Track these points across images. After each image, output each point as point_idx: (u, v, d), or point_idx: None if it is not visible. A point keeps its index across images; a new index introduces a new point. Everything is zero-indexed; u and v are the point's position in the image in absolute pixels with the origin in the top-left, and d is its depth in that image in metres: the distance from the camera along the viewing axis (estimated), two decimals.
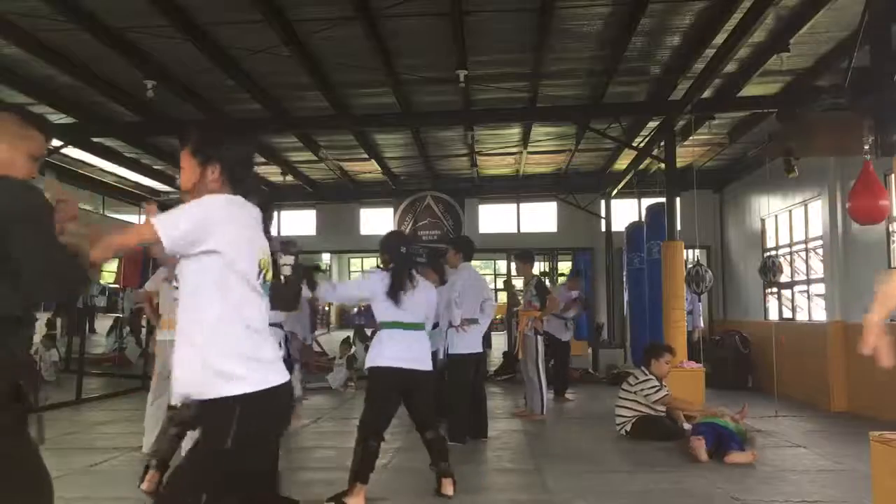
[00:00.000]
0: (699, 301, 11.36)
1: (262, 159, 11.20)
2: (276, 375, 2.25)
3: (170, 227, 2.16)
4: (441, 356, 6.66)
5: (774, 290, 10.55)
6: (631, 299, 12.26)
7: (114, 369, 12.96)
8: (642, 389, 6.64)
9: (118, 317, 15.47)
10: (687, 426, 6.36)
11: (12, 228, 2.00)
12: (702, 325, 11.71)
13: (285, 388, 2.29)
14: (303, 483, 5.15)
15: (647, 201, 11.92)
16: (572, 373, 11.84)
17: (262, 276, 2.30)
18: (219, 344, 2.18)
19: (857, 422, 7.46)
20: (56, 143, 9.37)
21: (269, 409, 2.22)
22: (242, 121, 9.30)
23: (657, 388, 6.59)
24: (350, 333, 12.71)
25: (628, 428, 6.74)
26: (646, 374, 6.70)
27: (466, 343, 6.59)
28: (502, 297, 16.51)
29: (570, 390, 9.89)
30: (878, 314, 2.00)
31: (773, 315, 10.69)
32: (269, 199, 2.44)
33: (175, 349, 2.26)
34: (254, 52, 6.85)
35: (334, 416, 8.41)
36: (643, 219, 11.94)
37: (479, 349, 6.79)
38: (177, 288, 2.43)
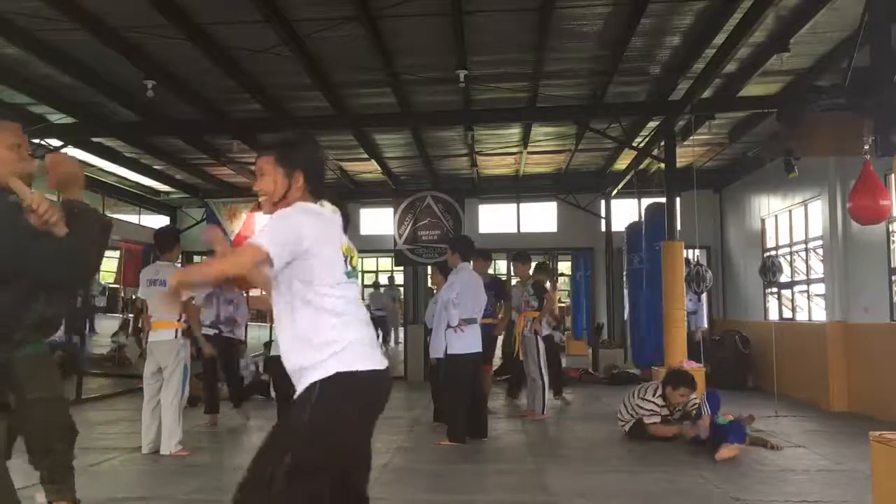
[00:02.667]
0: (700, 301, 11.33)
1: None
2: (364, 361, 2.40)
3: (274, 245, 2.27)
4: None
5: (774, 290, 10.55)
6: (631, 299, 12.26)
7: (113, 369, 12.96)
8: (641, 406, 6.69)
9: (126, 318, 15.54)
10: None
11: None
12: (705, 325, 11.69)
13: (375, 374, 2.42)
14: None
15: (647, 201, 11.92)
16: (572, 373, 11.86)
17: (348, 263, 2.47)
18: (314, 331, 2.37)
19: (857, 422, 7.46)
20: (56, 143, 9.38)
21: (351, 391, 2.36)
22: (243, 121, 9.32)
23: (653, 413, 6.62)
24: None
25: (628, 428, 6.75)
26: (654, 396, 6.70)
27: (465, 343, 6.59)
28: None
29: (568, 390, 9.88)
30: None
31: (773, 315, 10.69)
32: (343, 204, 2.55)
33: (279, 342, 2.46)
34: (254, 52, 6.85)
35: None
36: (642, 218, 11.94)
37: (479, 349, 6.78)
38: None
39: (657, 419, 6.59)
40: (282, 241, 2.29)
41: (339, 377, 2.32)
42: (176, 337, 6.01)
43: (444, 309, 6.71)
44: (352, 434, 2.39)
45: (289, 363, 2.42)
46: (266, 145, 2.52)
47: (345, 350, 2.35)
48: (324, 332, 2.36)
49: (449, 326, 6.63)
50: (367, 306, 22.74)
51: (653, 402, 6.64)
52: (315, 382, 2.32)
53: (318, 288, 2.36)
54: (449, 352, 6.63)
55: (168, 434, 5.96)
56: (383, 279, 19.71)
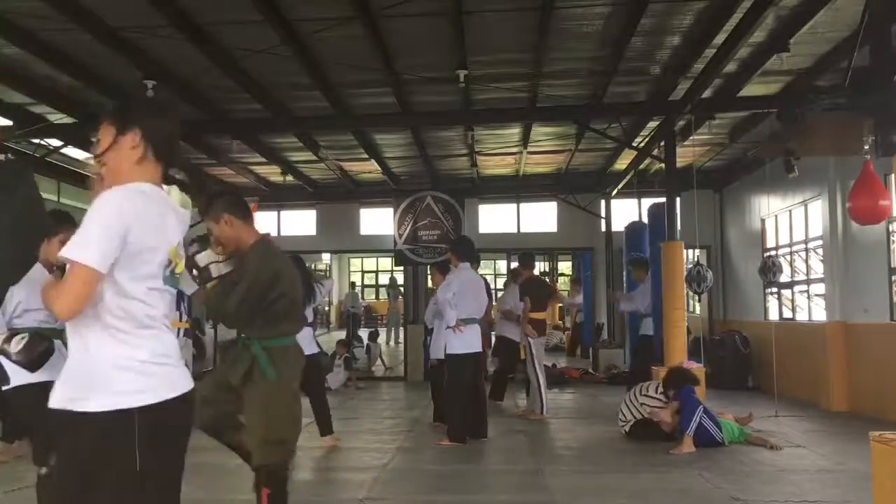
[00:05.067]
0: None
1: (263, 159, 11.21)
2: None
3: (95, 254, 1.91)
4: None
5: (774, 290, 10.55)
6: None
7: None
8: (645, 403, 6.70)
9: None
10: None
11: None
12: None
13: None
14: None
15: (647, 201, 11.91)
16: (572, 373, 11.87)
17: (170, 269, 2.14)
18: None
19: (857, 422, 7.46)
20: (56, 143, 9.39)
21: None
22: (243, 121, 9.31)
23: (662, 407, 6.65)
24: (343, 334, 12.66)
25: (628, 428, 6.76)
26: (657, 392, 6.73)
27: (464, 343, 6.59)
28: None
29: (569, 389, 9.87)
30: None
31: (773, 315, 10.69)
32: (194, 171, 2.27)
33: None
34: (254, 52, 6.84)
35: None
36: (643, 219, 11.92)
37: (478, 349, 6.79)
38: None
39: (661, 416, 6.61)
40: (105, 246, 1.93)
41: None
42: (178, 336, 6.00)
43: (441, 309, 6.72)
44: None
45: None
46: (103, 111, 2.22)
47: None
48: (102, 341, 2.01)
49: (448, 326, 6.63)
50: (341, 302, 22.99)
51: (656, 399, 6.68)
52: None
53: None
54: (448, 351, 6.63)
55: None
56: (384, 279, 19.79)
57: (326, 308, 21.85)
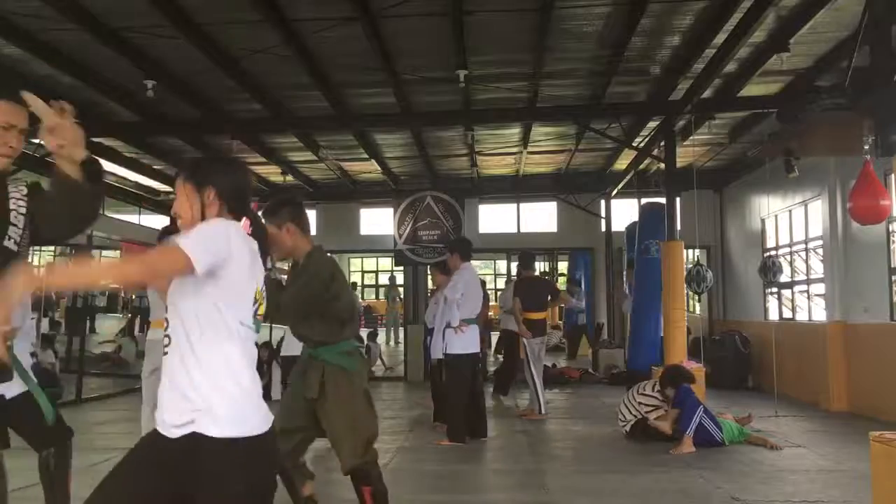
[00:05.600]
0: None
1: (263, 159, 11.21)
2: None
3: (201, 252, 1.97)
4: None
5: (774, 289, 10.55)
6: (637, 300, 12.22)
7: (114, 369, 12.96)
8: (642, 403, 6.70)
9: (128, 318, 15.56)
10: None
11: None
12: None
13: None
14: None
15: (647, 201, 11.91)
16: (572, 373, 11.86)
17: (255, 308, 2.18)
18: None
19: (857, 422, 7.46)
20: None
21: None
22: (243, 121, 9.31)
23: (655, 408, 6.66)
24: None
25: (628, 428, 6.76)
26: (653, 391, 6.73)
27: (464, 343, 6.60)
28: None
29: (569, 389, 9.87)
30: None
31: (773, 315, 10.69)
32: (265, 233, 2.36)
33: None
34: (254, 52, 6.84)
35: None
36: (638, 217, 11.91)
37: (477, 349, 6.80)
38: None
39: (661, 412, 6.61)
40: (212, 249, 2.01)
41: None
42: None
43: (448, 308, 6.68)
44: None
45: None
46: (178, 167, 2.39)
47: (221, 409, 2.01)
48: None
49: (448, 326, 6.63)
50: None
51: (653, 397, 6.68)
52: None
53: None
54: (448, 351, 6.64)
55: None
56: (384, 279, 19.75)
57: None
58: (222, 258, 2.02)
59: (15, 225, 2.54)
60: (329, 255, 3.88)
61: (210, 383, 1.99)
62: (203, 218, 2.15)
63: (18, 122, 2.35)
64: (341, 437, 3.57)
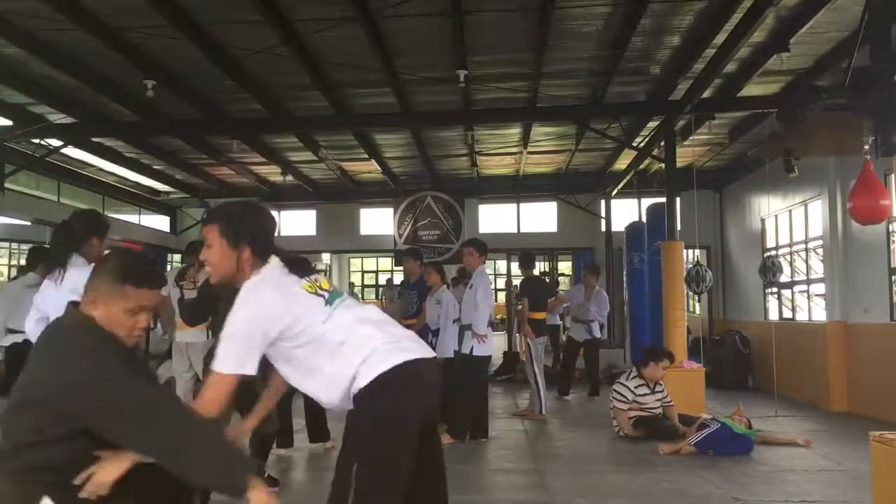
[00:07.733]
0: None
1: (263, 159, 11.21)
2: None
3: (239, 362, 2.19)
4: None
5: (774, 290, 10.54)
6: (630, 299, 12.24)
7: None
8: (615, 390, 6.78)
9: None
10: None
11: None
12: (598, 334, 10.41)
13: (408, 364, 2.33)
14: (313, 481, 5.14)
15: (647, 201, 11.91)
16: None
17: (327, 295, 2.36)
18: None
19: (857, 422, 7.46)
20: (56, 143, 9.38)
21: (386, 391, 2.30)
22: (243, 121, 9.31)
23: (622, 400, 6.68)
24: None
25: (626, 429, 6.75)
26: (627, 379, 6.74)
27: (484, 346, 6.63)
28: (501, 296, 16.51)
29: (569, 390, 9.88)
30: None
31: (773, 315, 10.68)
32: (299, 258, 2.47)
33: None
34: (254, 52, 6.84)
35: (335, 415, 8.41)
36: (643, 219, 11.92)
37: (491, 352, 6.87)
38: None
39: (625, 406, 6.67)
40: (248, 347, 2.20)
41: (369, 388, 2.23)
42: (208, 338, 5.91)
43: (474, 309, 6.60)
44: (401, 424, 2.27)
45: (333, 405, 2.38)
46: (211, 215, 2.42)
47: (365, 364, 2.26)
48: (337, 364, 2.29)
49: (468, 329, 6.61)
50: None
51: (625, 386, 6.69)
52: (350, 411, 2.30)
53: (308, 337, 2.29)
54: (465, 352, 6.60)
55: None
56: (383, 279, 19.74)
57: None
58: (271, 336, 2.21)
59: None
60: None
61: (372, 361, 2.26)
62: (238, 270, 2.32)
63: (150, 302, 2.25)
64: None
